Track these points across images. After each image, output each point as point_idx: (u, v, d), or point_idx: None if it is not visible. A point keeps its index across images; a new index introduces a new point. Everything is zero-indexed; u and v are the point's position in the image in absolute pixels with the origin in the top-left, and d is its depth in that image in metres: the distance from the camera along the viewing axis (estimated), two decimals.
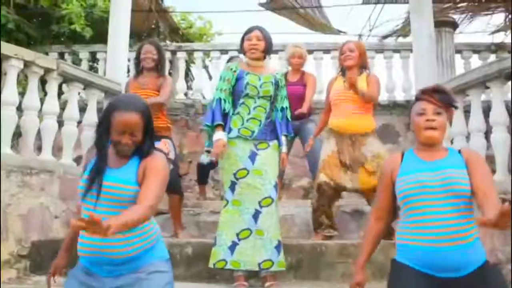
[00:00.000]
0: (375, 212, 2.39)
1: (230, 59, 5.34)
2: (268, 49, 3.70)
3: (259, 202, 3.43)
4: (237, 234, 3.41)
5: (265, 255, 3.38)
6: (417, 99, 2.28)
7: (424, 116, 2.20)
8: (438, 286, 2.05)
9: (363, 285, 2.33)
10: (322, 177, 4.10)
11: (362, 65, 4.30)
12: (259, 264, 3.38)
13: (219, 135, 3.51)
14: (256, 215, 3.41)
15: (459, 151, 2.26)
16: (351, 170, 4.09)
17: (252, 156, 3.51)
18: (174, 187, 4.18)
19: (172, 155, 4.32)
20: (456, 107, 2.35)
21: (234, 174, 3.49)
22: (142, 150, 2.17)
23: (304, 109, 4.75)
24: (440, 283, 2.05)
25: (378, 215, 2.36)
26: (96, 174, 2.13)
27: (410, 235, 2.13)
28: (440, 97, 2.21)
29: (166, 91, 4.50)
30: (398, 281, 2.14)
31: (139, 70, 4.63)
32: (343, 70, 4.33)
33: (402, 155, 2.32)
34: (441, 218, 2.06)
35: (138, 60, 4.62)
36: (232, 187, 3.49)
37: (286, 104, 3.72)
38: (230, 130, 3.57)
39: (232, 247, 3.40)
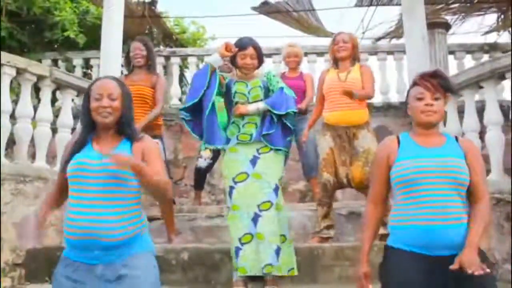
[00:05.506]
0: (372, 198, 2.36)
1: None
2: (260, 65, 3.70)
3: (258, 206, 3.41)
4: (239, 239, 3.39)
5: (266, 259, 3.35)
6: (416, 83, 2.30)
7: (423, 100, 2.23)
8: (433, 265, 2.08)
9: (370, 276, 2.25)
10: (325, 176, 4.12)
11: (354, 57, 4.30)
12: (262, 269, 3.35)
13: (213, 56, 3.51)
14: (255, 219, 3.40)
15: (456, 139, 2.29)
16: (346, 165, 4.10)
17: (254, 160, 3.50)
18: None
19: (162, 156, 4.29)
20: (453, 92, 2.37)
21: (233, 179, 3.48)
22: (124, 128, 2.16)
23: (303, 105, 4.81)
24: (435, 261, 2.08)
25: (375, 200, 2.34)
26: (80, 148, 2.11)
27: (406, 215, 2.15)
28: (438, 83, 2.24)
29: (160, 99, 4.43)
30: (394, 266, 2.15)
31: (130, 68, 4.53)
32: (336, 62, 4.30)
33: (398, 139, 2.31)
34: (439, 199, 2.10)
35: (128, 59, 4.51)
36: (230, 192, 3.48)
37: (282, 84, 3.63)
38: (228, 140, 3.58)
39: (237, 253, 3.39)
